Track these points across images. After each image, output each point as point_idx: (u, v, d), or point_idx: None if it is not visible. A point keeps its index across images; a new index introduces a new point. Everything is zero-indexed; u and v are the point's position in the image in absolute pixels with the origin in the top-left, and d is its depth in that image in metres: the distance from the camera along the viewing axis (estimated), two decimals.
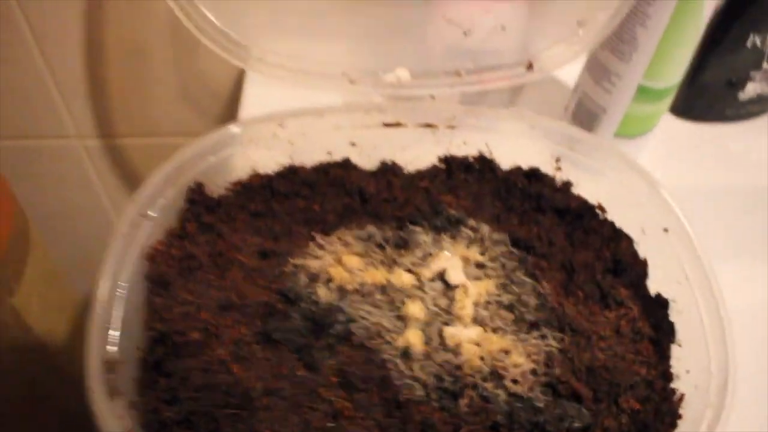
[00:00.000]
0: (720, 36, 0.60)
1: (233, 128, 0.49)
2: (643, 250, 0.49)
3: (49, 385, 0.74)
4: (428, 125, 0.52)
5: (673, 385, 0.44)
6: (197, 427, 0.41)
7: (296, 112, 0.51)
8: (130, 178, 0.84)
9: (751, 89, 0.64)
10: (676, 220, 0.46)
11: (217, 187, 0.51)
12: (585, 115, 0.59)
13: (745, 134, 0.68)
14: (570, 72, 0.60)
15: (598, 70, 0.57)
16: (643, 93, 0.56)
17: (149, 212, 0.46)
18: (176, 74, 0.74)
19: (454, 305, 0.45)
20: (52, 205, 0.85)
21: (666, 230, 0.47)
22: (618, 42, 0.54)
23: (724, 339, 0.41)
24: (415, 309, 0.44)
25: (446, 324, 0.44)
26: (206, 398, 0.42)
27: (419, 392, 0.42)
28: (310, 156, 0.53)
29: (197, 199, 0.49)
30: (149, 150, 0.81)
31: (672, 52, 0.54)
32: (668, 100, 0.58)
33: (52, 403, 0.76)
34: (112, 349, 0.41)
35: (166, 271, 0.46)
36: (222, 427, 0.41)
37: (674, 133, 0.67)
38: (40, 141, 0.79)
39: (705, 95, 0.66)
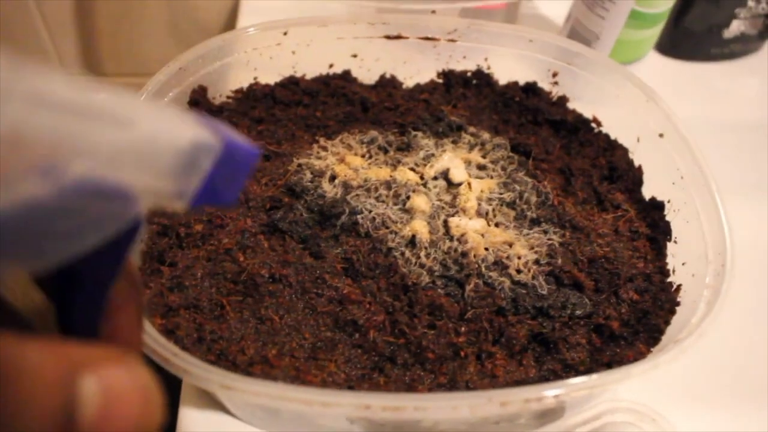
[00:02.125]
0: None
1: (239, 33, 0.50)
2: (638, 158, 0.51)
3: None
4: (429, 38, 0.53)
5: (670, 279, 0.45)
6: (204, 312, 0.41)
7: (301, 21, 0.51)
8: None
9: (735, 27, 0.66)
10: (671, 125, 0.48)
11: (219, 96, 0.51)
12: (578, 41, 0.60)
13: (730, 73, 0.70)
14: (561, 4, 0.62)
15: None
16: (636, 18, 0.57)
17: None
18: (166, 10, 0.74)
19: (458, 199, 0.46)
20: None
21: (661, 135, 0.48)
22: None
23: (721, 224, 0.42)
24: (420, 202, 0.45)
25: (451, 216, 0.45)
26: (212, 285, 0.42)
27: (426, 279, 0.42)
28: (312, 68, 0.53)
29: (200, 101, 0.49)
30: (136, 90, 0.81)
31: None
32: (659, 27, 0.60)
33: None
34: None
35: None
36: (229, 312, 0.41)
37: (661, 71, 0.69)
38: None
39: (691, 34, 0.67)
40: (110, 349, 0.18)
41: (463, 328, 0.41)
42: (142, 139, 0.18)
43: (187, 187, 0.20)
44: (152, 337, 0.34)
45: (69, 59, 0.76)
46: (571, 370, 0.41)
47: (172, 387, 0.47)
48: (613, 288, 0.44)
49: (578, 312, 0.43)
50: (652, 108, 0.49)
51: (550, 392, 0.34)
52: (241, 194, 0.46)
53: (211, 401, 0.45)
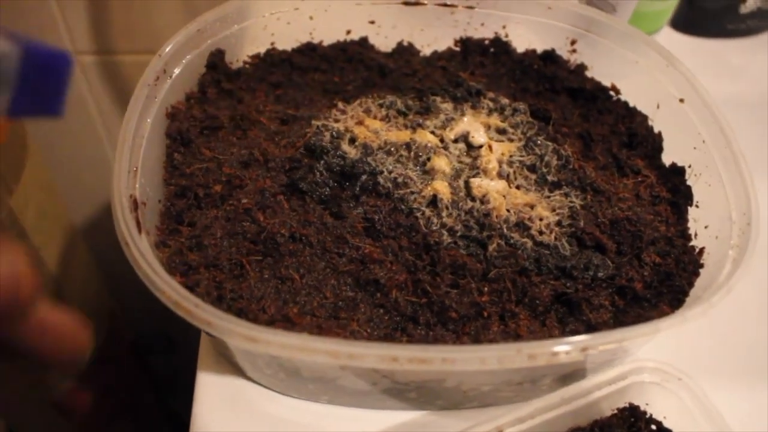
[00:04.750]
0: None
1: None
2: (658, 124, 0.50)
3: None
4: (447, 5, 0.52)
5: (692, 243, 0.45)
6: (224, 272, 0.40)
7: None
8: (126, 100, 0.82)
9: (752, 3, 0.66)
10: (692, 89, 0.47)
11: (236, 60, 0.51)
12: None
13: (747, 49, 0.70)
14: None
15: None
16: None
17: (173, 70, 0.46)
18: None
19: (478, 161, 0.45)
20: (43, 125, 0.83)
21: (681, 101, 0.48)
22: None
23: (745, 184, 0.42)
24: (440, 163, 0.44)
25: (472, 177, 0.44)
26: (231, 245, 0.42)
27: (447, 239, 0.42)
28: (329, 34, 0.53)
29: (218, 64, 0.49)
30: None
31: None
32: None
33: None
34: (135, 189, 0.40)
35: (187, 128, 0.46)
36: (248, 272, 0.41)
37: (677, 47, 0.67)
38: None
39: (706, 10, 0.67)
40: None
41: (486, 288, 0.41)
42: None
43: None
44: (175, 289, 0.34)
45: (79, 36, 0.75)
46: (594, 331, 0.41)
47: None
48: (636, 251, 0.44)
49: (601, 273, 0.42)
50: (673, 73, 0.49)
51: (579, 343, 0.34)
52: (259, 154, 0.45)
53: (228, 365, 0.44)
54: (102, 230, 0.97)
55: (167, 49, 0.45)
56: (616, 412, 0.41)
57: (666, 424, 0.40)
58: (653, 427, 0.40)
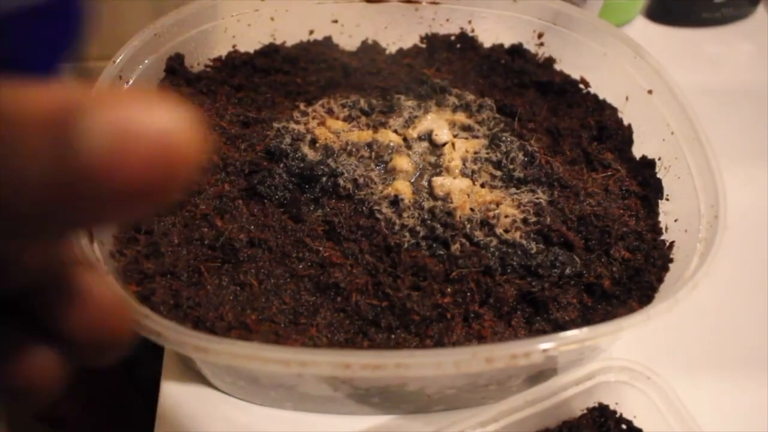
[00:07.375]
0: None
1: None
2: (627, 116, 0.49)
3: None
4: (411, 1, 0.51)
5: (663, 237, 0.44)
6: (181, 279, 0.40)
7: None
8: None
9: None
10: (660, 80, 0.46)
11: (197, 64, 0.50)
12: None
13: (721, 38, 0.69)
14: None
15: None
16: None
17: (129, 76, 0.45)
18: None
19: (442, 159, 0.44)
20: None
21: (650, 92, 0.47)
22: None
23: (713, 176, 0.41)
24: (402, 162, 0.43)
25: (435, 176, 0.43)
26: (188, 252, 0.41)
27: (409, 239, 0.41)
28: (292, 34, 0.52)
29: (177, 68, 0.48)
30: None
31: None
32: None
33: None
34: None
35: None
36: (206, 279, 0.40)
37: (651, 37, 0.67)
38: None
39: None
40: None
41: (448, 289, 0.40)
42: None
43: None
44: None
45: None
46: (562, 330, 0.40)
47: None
48: (604, 246, 0.43)
49: (568, 271, 0.41)
50: (641, 64, 0.48)
51: (539, 346, 0.33)
52: (218, 159, 0.44)
53: (192, 375, 0.44)
54: None
55: (122, 55, 0.44)
56: (585, 412, 0.40)
57: (636, 423, 0.39)
58: (623, 426, 0.40)
